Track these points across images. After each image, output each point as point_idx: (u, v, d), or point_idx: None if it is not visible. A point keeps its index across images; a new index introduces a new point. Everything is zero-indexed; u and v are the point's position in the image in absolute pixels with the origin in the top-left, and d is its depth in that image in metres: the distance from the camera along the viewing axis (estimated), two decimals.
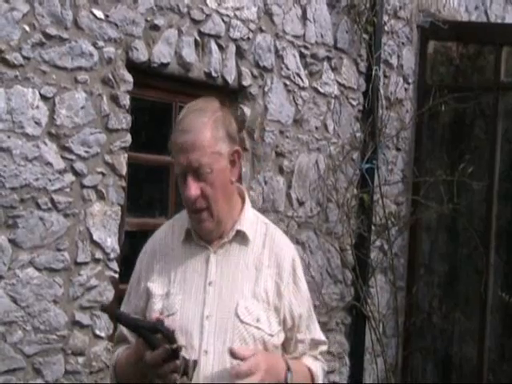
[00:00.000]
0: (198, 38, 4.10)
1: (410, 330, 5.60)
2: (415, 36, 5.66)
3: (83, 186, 3.59)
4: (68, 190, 3.53)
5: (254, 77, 4.44)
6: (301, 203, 4.80)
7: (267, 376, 2.08)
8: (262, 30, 4.47)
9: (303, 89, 4.76)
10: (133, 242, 3.85)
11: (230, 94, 4.42)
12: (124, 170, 3.75)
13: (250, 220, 2.28)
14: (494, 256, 5.58)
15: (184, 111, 2.24)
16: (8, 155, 3.29)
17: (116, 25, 3.69)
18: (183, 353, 2.05)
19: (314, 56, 4.82)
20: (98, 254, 3.65)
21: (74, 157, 3.54)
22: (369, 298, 5.22)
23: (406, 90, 5.60)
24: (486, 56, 5.92)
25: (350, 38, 5.09)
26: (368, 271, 5.20)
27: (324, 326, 4.98)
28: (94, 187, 3.63)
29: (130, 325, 2.08)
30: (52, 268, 3.47)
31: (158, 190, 4.31)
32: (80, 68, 3.55)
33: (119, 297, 3.33)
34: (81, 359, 3.59)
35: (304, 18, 4.74)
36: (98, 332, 3.64)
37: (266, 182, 4.56)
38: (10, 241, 3.33)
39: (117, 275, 3.73)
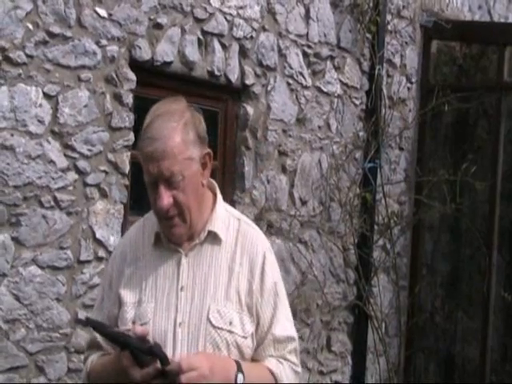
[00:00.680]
0: (201, 37, 4.10)
1: (413, 330, 5.60)
2: (418, 35, 5.66)
3: (86, 185, 3.59)
4: (71, 188, 3.53)
5: (257, 76, 4.44)
6: (303, 202, 4.80)
7: (211, 375, 1.98)
8: (265, 29, 4.47)
9: (306, 88, 4.76)
10: None
11: (233, 93, 4.42)
12: (127, 169, 3.76)
13: (222, 218, 2.19)
14: (497, 256, 5.58)
15: (150, 115, 2.11)
16: (11, 153, 3.30)
17: (119, 23, 3.69)
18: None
19: (317, 55, 4.82)
20: (101, 253, 3.66)
21: (77, 155, 3.54)
22: (371, 297, 5.21)
23: (409, 89, 5.60)
24: (490, 56, 5.92)
25: (353, 37, 5.09)
26: (370, 271, 5.20)
27: (326, 325, 4.99)
28: (97, 185, 3.64)
29: (119, 342, 2.00)
30: (55, 266, 3.48)
31: None
32: (83, 66, 3.55)
33: None
34: (83, 357, 3.59)
35: (307, 17, 4.74)
36: None
37: (268, 181, 4.56)
38: (13, 239, 3.33)
39: None
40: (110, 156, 3.68)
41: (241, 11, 4.30)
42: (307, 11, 4.73)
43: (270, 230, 4.57)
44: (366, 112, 5.19)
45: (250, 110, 4.45)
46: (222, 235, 2.16)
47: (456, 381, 6.18)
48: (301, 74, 4.72)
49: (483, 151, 5.88)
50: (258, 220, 4.49)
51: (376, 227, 5.26)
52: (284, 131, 4.64)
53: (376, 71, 5.14)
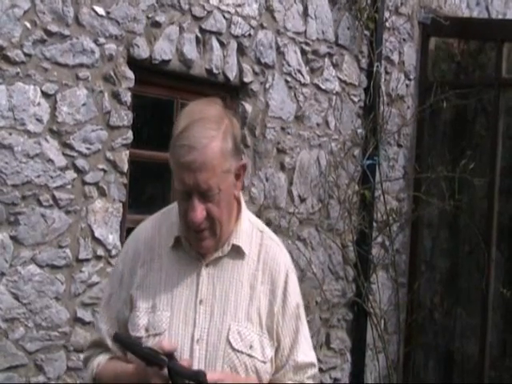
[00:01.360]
0: (199, 35, 4.10)
1: (412, 327, 5.60)
2: (416, 32, 5.66)
3: (85, 183, 3.59)
4: (69, 186, 3.53)
5: (256, 73, 4.44)
6: (302, 200, 4.80)
7: None
8: (263, 27, 4.46)
9: (304, 85, 4.76)
10: None
11: (232, 91, 4.42)
12: (125, 167, 3.76)
13: (246, 230, 2.06)
14: (496, 252, 5.58)
15: (185, 119, 1.94)
16: (9, 152, 3.30)
17: (117, 22, 3.69)
18: None
19: (315, 52, 4.82)
20: (100, 251, 3.66)
21: (75, 154, 3.54)
22: (370, 294, 5.22)
23: (407, 86, 5.60)
24: (488, 52, 5.92)
25: (352, 34, 5.09)
26: (369, 268, 5.21)
27: (326, 322, 4.99)
28: (96, 184, 3.63)
29: (151, 361, 1.86)
30: (54, 265, 3.48)
31: (160, 187, 4.31)
32: (81, 65, 3.55)
33: None
34: (83, 356, 3.59)
35: (305, 14, 4.74)
36: None
37: (267, 179, 4.56)
38: (12, 238, 3.33)
39: None
40: (109, 154, 3.68)
41: (239, 9, 4.30)
42: (305, 8, 4.73)
43: (269, 227, 4.56)
44: (365, 109, 5.19)
45: (249, 107, 4.45)
46: (246, 250, 2.04)
47: (455, 377, 6.19)
48: (299, 71, 4.72)
49: (482, 148, 5.88)
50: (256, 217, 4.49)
51: (375, 224, 5.27)
52: (282, 129, 4.64)
53: (374, 68, 5.15)
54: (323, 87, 4.89)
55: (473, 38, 5.98)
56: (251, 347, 1.98)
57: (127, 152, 3.77)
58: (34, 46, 3.36)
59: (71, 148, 3.53)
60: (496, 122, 5.48)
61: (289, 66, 4.64)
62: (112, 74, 3.67)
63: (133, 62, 3.78)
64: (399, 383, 5.52)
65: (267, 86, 4.52)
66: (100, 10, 3.61)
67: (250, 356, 1.98)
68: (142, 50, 3.81)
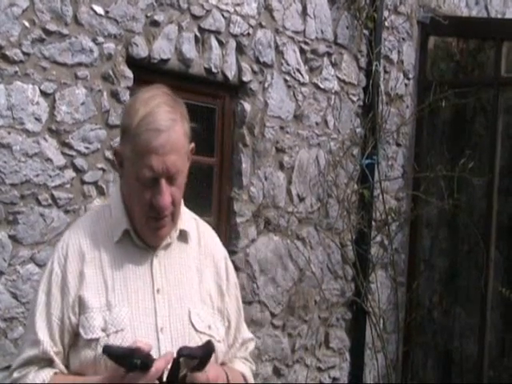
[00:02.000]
0: (198, 34, 4.10)
1: (411, 326, 5.60)
2: (415, 31, 5.65)
3: (83, 182, 3.59)
4: (68, 186, 3.53)
5: (255, 72, 4.44)
6: (301, 199, 4.80)
7: None
8: (262, 26, 4.46)
9: (303, 84, 4.76)
10: None
11: (230, 90, 4.42)
12: None
13: (186, 216, 2.09)
14: (495, 252, 5.58)
15: (142, 107, 1.91)
16: (8, 151, 3.30)
17: (116, 21, 3.69)
18: None
19: (314, 52, 4.81)
20: None
21: (74, 153, 3.54)
22: (369, 293, 5.22)
23: (406, 85, 5.59)
24: (487, 51, 5.92)
25: (351, 33, 5.09)
26: (368, 267, 5.20)
27: (324, 322, 4.99)
28: (95, 183, 3.63)
29: (139, 365, 1.78)
30: None
31: None
32: (80, 64, 3.55)
33: None
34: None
35: (304, 13, 4.74)
36: None
37: (266, 178, 4.56)
38: (11, 237, 3.33)
39: None
40: (108, 154, 3.68)
41: (238, 8, 4.30)
42: (304, 8, 4.73)
43: (268, 226, 4.58)
44: (364, 108, 5.19)
45: (248, 106, 4.44)
46: (192, 234, 2.07)
47: (454, 376, 6.19)
48: (298, 70, 4.72)
49: (481, 147, 5.88)
50: (255, 217, 4.49)
51: (374, 223, 5.27)
52: (281, 128, 4.63)
53: (373, 67, 5.14)
54: (322, 86, 4.89)
55: (472, 37, 5.97)
56: (210, 328, 2.01)
57: None
58: (33, 44, 3.36)
59: (70, 147, 3.53)
60: (495, 121, 5.48)
61: (288, 65, 4.64)
62: (111, 73, 3.67)
63: (132, 61, 3.78)
64: (398, 382, 5.52)
65: (266, 85, 4.52)
66: (99, 9, 3.61)
67: (210, 336, 1.99)
68: (141, 49, 3.81)
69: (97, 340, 1.90)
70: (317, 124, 4.88)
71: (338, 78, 5.01)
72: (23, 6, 3.32)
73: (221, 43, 4.22)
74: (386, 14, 5.29)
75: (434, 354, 6.06)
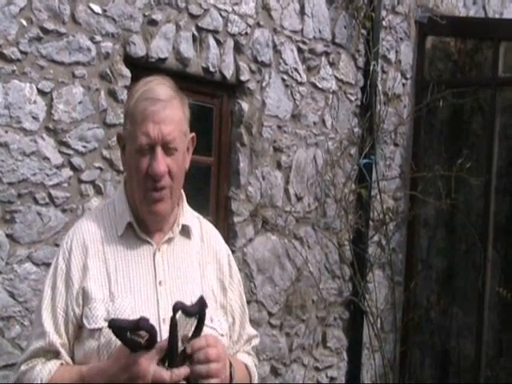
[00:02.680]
0: (195, 33, 4.10)
1: (408, 326, 5.60)
2: (413, 31, 5.66)
3: (81, 181, 3.59)
4: (66, 185, 3.52)
5: (252, 72, 4.44)
6: (299, 198, 4.80)
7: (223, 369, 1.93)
8: (260, 25, 4.46)
9: (301, 84, 4.76)
10: None
11: (228, 89, 4.41)
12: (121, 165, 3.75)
13: (189, 214, 2.13)
14: (492, 251, 5.59)
15: (144, 85, 1.99)
16: (5, 150, 3.29)
17: (114, 19, 3.68)
18: None
19: (311, 51, 4.82)
20: None
21: (71, 152, 3.54)
22: (367, 293, 5.22)
23: (403, 85, 5.60)
24: (484, 51, 5.92)
25: (348, 33, 5.09)
26: (366, 266, 5.21)
27: (322, 321, 4.99)
28: (92, 182, 3.63)
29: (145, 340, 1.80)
30: (50, 263, 3.43)
31: None
32: (78, 63, 3.55)
33: None
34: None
35: (302, 13, 4.74)
36: None
37: (263, 177, 4.56)
38: (8, 236, 3.33)
39: None
40: (105, 153, 3.68)
41: (236, 7, 4.30)
42: (302, 7, 4.73)
43: (266, 226, 4.57)
44: (361, 108, 5.19)
45: (245, 106, 4.44)
46: (193, 230, 2.11)
47: (451, 376, 6.19)
48: (296, 70, 4.72)
49: (478, 147, 5.88)
50: (253, 216, 4.49)
51: (371, 223, 5.27)
52: (279, 127, 4.63)
53: (371, 67, 5.14)
54: (320, 86, 4.89)
55: (469, 37, 5.98)
56: (212, 320, 2.03)
57: None
58: (30, 43, 3.36)
59: (67, 146, 3.52)
60: (492, 121, 5.48)
61: (285, 64, 4.64)
62: (108, 71, 3.67)
63: (129, 60, 3.78)
64: (395, 382, 5.52)
65: (264, 84, 4.51)
66: (96, 8, 3.61)
67: (212, 329, 2.01)
68: (139, 48, 3.81)
69: (100, 330, 1.94)
70: (314, 123, 4.88)
71: (335, 77, 5.01)
72: (21, 4, 3.31)
73: (218, 42, 4.22)
74: (383, 13, 5.29)
75: (432, 354, 6.06)
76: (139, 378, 1.81)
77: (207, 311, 1.95)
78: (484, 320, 5.46)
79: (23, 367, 2.00)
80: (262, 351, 4.58)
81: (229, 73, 4.30)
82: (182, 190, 2.14)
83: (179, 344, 1.84)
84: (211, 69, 4.19)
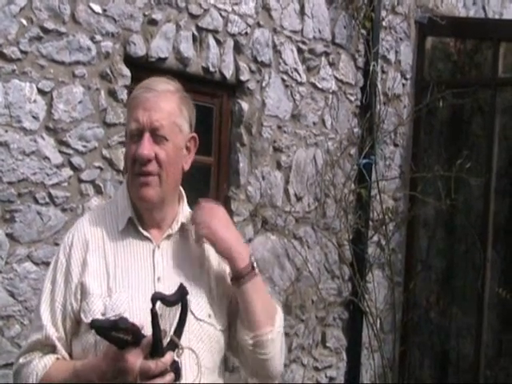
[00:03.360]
0: (195, 33, 4.10)
1: (408, 326, 5.60)
2: (413, 31, 5.66)
3: (81, 181, 3.59)
4: (66, 184, 3.53)
5: (252, 72, 4.44)
6: (298, 198, 4.80)
7: (224, 229, 2.05)
8: (259, 25, 4.46)
9: (301, 84, 4.76)
10: None
11: (228, 89, 4.42)
12: (122, 165, 3.75)
13: (189, 213, 2.15)
14: (492, 252, 5.58)
15: (147, 80, 2.08)
16: (5, 149, 3.30)
17: (114, 19, 3.69)
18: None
19: (311, 51, 4.82)
20: None
21: (71, 151, 3.54)
22: (366, 293, 5.22)
23: (403, 85, 5.60)
24: (484, 52, 5.92)
25: (348, 33, 5.09)
26: (365, 267, 5.21)
27: (321, 321, 4.99)
28: (92, 182, 3.63)
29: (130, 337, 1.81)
30: (49, 262, 3.43)
31: None
32: (78, 62, 3.55)
33: None
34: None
35: (302, 13, 4.74)
36: None
37: (263, 177, 4.56)
38: (8, 235, 3.33)
39: None
40: (105, 152, 3.68)
41: (236, 7, 4.30)
42: (302, 7, 4.73)
43: (265, 226, 4.58)
44: (361, 108, 5.19)
45: (245, 106, 4.45)
46: (192, 229, 2.12)
47: (451, 376, 6.19)
48: (295, 70, 4.72)
49: (478, 147, 5.88)
50: (252, 216, 4.49)
51: (371, 223, 5.27)
52: (279, 127, 4.64)
53: (371, 67, 5.14)
54: (320, 86, 4.90)
55: (469, 37, 5.98)
56: (209, 316, 2.05)
57: (123, 150, 3.76)
58: (31, 43, 3.36)
59: (67, 145, 3.53)
60: (492, 121, 5.48)
61: (285, 64, 4.64)
62: (108, 71, 3.67)
63: (129, 60, 3.78)
64: (395, 382, 5.52)
65: (264, 84, 4.52)
66: (96, 8, 3.61)
67: (210, 324, 2.04)
68: (139, 48, 3.81)
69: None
70: (314, 124, 4.88)
71: (335, 77, 5.01)
72: (21, 4, 3.32)
73: (218, 42, 4.22)
74: (383, 13, 5.30)
75: (431, 354, 6.06)
76: (127, 373, 1.84)
77: (206, 308, 1.99)
78: (483, 320, 5.46)
79: (21, 360, 2.04)
80: None
81: (229, 73, 4.30)
82: (183, 190, 2.17)
83: (163, 334, 1.86)
84: (211, 69, 4.19)
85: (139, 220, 2.07)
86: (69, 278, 2.02)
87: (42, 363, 1.99)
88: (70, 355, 2.02)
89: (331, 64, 4.98)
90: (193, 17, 4.08)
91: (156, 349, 1.84)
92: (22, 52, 3.33)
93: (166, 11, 3.93)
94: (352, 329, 5.25)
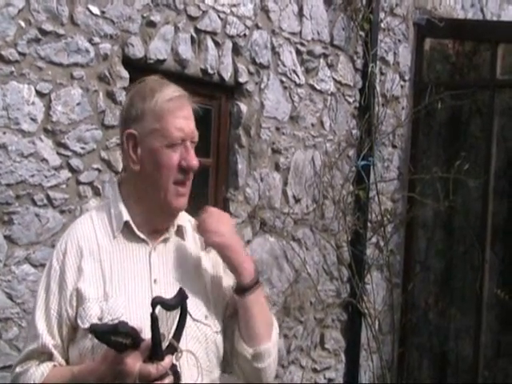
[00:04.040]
0: (194, 35, 4.10)
1: (406, 327, 5.61)
2: (411, 33, 5.66)
3: (79, 183, 3.58)
4: (64, 186, 3.52)
5: (251, 73, 4.44)
6: (297, 200, 4.80)
7: (231, 239, 2.08)
8: (258, 27, 4.47)
9: (299, 86, 4.76)
10: None
11: (227, 91, 4.42)
12: (120, 167, 3.75)
13: (183, 216, 2.16)
14: (490, 253, 5.59)
15: (159, 87, 2.06)
16: (4, 151, 3.29)
17: (112, 21, 3.68)
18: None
19: (310, 53, 4.82)
20: None
21: (69, 153, 3.54)
22: (365, 294, 5.22)
23: (402, 87, 5.60)
24: (482, 53, 5.93)
25: (347, 35, 5.09)
26: (364, 268, 5.21)
27: (320, 323, 4.99)
28: (90, 183, 3.63)
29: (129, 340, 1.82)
30: None
31: None
32: (76, 64, 3.54)
33: None
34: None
35: (300, 14, 4.74)
36: None
37: (262, 179, 4.56)
38: (6, 237, 3.32)
39: None
40: (103, 154, 3.67)
41: (234, 9, 4.30)
42: (300, 9, 4.73)
43: (264, 227, 4.58)
44: (360, 110, 5.20)
45: (244, 107, 4.45)
46: (188, 232, 2.14)
47: (449, 377, 6.20)
48: (294, 71, 4.72)
49: (476, 149, 5.89)
50: (251, 218, 4.49)
51: (369, 225, 5.27)
52: (277, 129, 4.64)
53: (369, 69, 5.15)
54: (318, 88, 4.90)
55: (467, 39, 5.99)
56: (206, 317, 2.07)
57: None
58: (29, 44, 3.35)
59: (66, 147, 3.52)
60: (491, 123, 5.49)
61: (284, 66, 4.65)
62: (107, 73, 3.67)
63: (128, 62, 3.78)
64: (393, 383, 5.53)
65: (262, 86, 4.52)
66: (95, 10, 3.60)
67: (207, 325, 2.06)
68: (137, 50, 3.81)
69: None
70: (313, 125, 4.88)
71: (334, 79, 5.01)
72: (19, 5, 3.31)
73: (217, 44, 4.22)
74: (382, 15, 5.30)
75: (430, 355, 6.07)
76: (126, 376, 1.84)
77: (203, 309, 2.00)
78: (482, 321, 5.47)
79: (18, 369, 2.03)
80: None
81: (227, 74, 4.30)
82: None
83: (162, 338, 1.86)
84: (209, 70, 4.19)
85: (135, 223, 2.07)
86: (63, 285, 2.01)
87: (39, 371, 1.98)
88: (67, 362, 2.01)
89: (330, 66, 4.98)
90: (191, 19, 4.08)
91: (156, 352, 1.84)
92: (20, 54, 3.32)
93: (164, 13, 3.93)
94: (351, 330, 5.25)
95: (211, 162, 4.40)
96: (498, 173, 5.68)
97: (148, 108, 2.03)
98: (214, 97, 4.39)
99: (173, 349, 1.88)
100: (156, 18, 3.88)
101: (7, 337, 3.33)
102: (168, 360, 1.86)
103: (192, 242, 2.16)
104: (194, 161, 2.04)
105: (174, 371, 1.88)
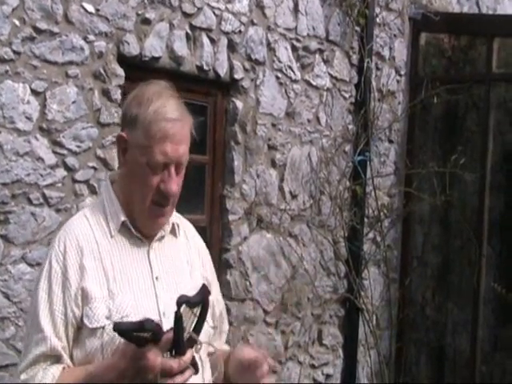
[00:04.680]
0: (189, 32, 4.09)
1: (404, 322, 5.61)
2: (407, 28, 5.65)
3: (75, 181, 3.58)
4: (60, 185, 3.52)
5: (246, 70, 4.43)
6: (293, 196, 4.80)
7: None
8: (253, 23, 4.45)
9: (295, 81, 4.75)
10: None
11: (222, 88, 4.41)
12: (116, 165, 3.74)
13: (175, 213, 2.19)
14: (487, 247, 5.59)
15: (158, 97, 2.03)
16: None
17: (107, 19, 3.67)
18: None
19: (305, 49, 4.81)
20: None
21: (65, 152, 3.53)
22: (362, 290, 5.22)
23: (398, 82, 5.60)
24: (478, 48, 5.93)
25: (342, 30, 5.08)
26: (361, 263, 5.21)
27: (317, 319, 5.00)
28: (86, 182, 3.62)
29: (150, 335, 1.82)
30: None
31: None
32: (71, 62, 3.53)
33: None
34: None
35: (296, 10, 4.73)
36: None
37: (258, 176, 4.56)
38: (2, 236, 3.32)
39: None
40: (99, 152, 3.67)
41: (229, 5, 4.29)
42: (296, 5, 4.72)
43: (260, 224, 4.57)
44: (356, 105, 5.19)
45: (239, 104, 4.44)
46: (180, 228, 2.19)
47: (447, 372, 6.21)
48: (290, 67, 4.71)
49: (472, 143, 5.89)
50: (248, 214, 4.49)
51: (366, 220, 5.27)
52: (273, 125, 4.63)
53: (365, 64, 5.14)
54: (314, 83, 4.89)
55: (463, 33, 5.98)
56: None
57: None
58: (23, 43, 3.34)
59: (61, 146, 3.51)
60: (487, 117, 5.49)
61: (279, 62, 4.64)
62: (102, 71, 3.66)
63: (123, 59, 3.77)
64: (391, 379, 5.53)
65: (258, 82, 4.51)
66: (89, 7, 3.59)
67: (206, 322, 2.04)
68: (132, 47, 3.80)
69: (102, 328, 1.96)
70: (309, 121, 4.88)
71: (329, 74, 5.00)
72: (13, 4, 3.30)
73: (212, 41, 4.21)
74: (377, 10, 5.29)
75: (427, 350, 6.08)
76: (148, 371, 1.83)
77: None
78: (479, 316, 5.47)
79: (23, 376, 1.98)
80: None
81: (223, 71, 4.29)
82: None
83: (185, 334, 1.87)
84: (205, 67, 4.18)
85: (132, 223, 2.09)
86: (67, 285, 1.98)
87: (49, 374, 1.94)
88: (71, 362, 1.99)
89: (325, 61, 4.97)
90: (186, 15, 4.06)
91: (178, 347, 1.85)
92: (14, 52, 3.31)
93: (159, 10, 3.92)
94: (348, 326, 5.26)
95: (207, 158, 4.40)
96: (494, 167, 5.68)
97: (141, 117, 2.02)
98: (210, 94, 4.38)
99: (193, 341, 1.88)
100: (151, 15, 3.87)
101: (4, 336, 3.33)
102: (189, 354, 1.86)
103: (183, 239, 2.21)
104: (174, 187, 2.02)
105: (193, 363, 1.89)
